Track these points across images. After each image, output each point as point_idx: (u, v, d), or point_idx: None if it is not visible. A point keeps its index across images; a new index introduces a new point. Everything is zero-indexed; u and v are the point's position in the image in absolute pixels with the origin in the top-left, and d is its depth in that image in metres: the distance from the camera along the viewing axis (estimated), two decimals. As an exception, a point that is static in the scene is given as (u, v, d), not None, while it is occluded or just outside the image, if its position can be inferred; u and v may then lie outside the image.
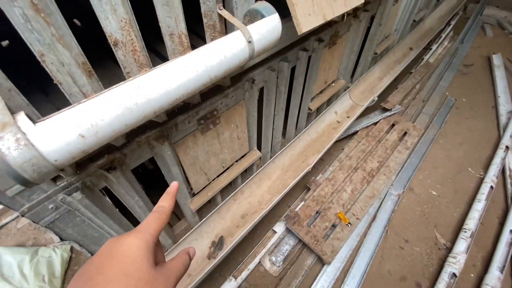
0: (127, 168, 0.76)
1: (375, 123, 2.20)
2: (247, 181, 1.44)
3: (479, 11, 4.00)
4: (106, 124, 0.43)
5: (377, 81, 2.27)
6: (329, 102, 1.87)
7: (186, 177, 1.01)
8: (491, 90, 2.73)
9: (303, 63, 1.22)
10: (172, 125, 0.80)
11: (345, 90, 1.99)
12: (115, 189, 0.76)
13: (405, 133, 2.15)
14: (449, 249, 1.61)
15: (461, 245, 1.55)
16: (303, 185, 1.94)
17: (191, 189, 1.10)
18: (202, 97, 0.84)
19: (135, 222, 0.97)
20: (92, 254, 0.85)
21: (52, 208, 0.64)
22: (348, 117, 1.95)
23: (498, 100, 2.54)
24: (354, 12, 1.42)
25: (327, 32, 1.27)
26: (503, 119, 2.36)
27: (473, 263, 1.59)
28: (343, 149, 2.09)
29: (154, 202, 0.44)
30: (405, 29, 2.47)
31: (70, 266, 1.64)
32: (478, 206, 1.72)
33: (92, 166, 0.66)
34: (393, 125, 2.20)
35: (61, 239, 0.72)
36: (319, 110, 1.86)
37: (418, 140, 2.14)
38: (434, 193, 1.92)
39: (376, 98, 2.01)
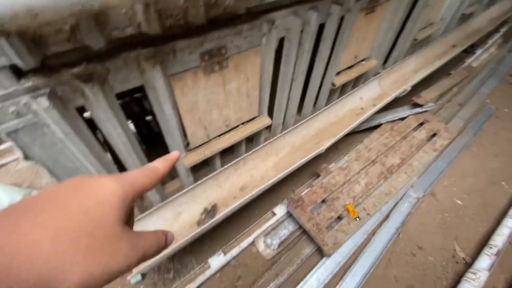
0: (110, 90, 0.65)
1: (402, 119, 1.99)
2: (251, 151, 1.31)
3: (536, 19, 3.59)
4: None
5: (412, 73, 2.05)
6: (355, 83, 1.69)
7: (182, 125, 0.89)
8: (539, 103, 2.43)
9: (334, 21, 1.06)
10: (170, 50, 0.68)
11: (375, 75, 1.79)
12: (94, 111, 0.65)
13: (435, 134, 1.94)
14: (469, 265, 1.41)
15: (484, 262, 1.35)
16: (312, 172, 1.78)
17: (188, 143, 0.98)
18: (211, 23, 0.71)
19: (120, 167, 0.87)
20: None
21: (13, 112, 0.54)
22: (374, 105, 1.76)
23: (548, 115, 2.24)
24: (401, -23, 1.24)
25: (367, -9, 1.10)
26: (551, 135, 2.07)
27: (494, 285, 1.39)
28: (363, 141, 1.90)
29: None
30: (451, 21, 2.22)
31: (59, 215, 1.59)
32: (510, 223, 1.50)
33: (65, 72, 0.56)
34: (422, 123, 1.99)
35: (27, 158, 0.61)
36: (342, 91, 1.68)
37: (449, 143, 1.91)
38: (459, 202, 1.71)
39: (409, 89, 1.81)
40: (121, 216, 0.25)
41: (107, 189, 0.25)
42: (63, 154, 0.68)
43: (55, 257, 0.20)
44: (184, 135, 0.94)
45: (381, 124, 1.97)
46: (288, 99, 1.27)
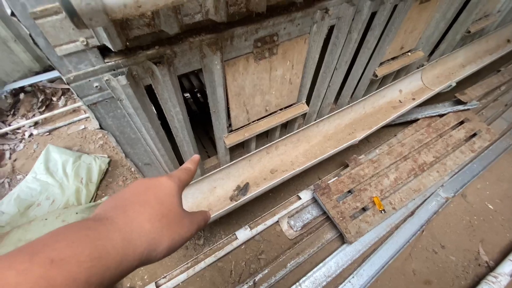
0: (175, 71, 0.71)
1: (441, 115, 1.91)
2: (284, 137, 1.35)
3: None
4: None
5: (459, 68, 1.93)
6: (397, 75, 1.63)
7: (228, 108, 0.95)
8: None
9: (386, 10, 1.02)
10: (229, 36, 0.71)
11: (418, 67, 1.72)
12: (159, 90, 0.72)
13: (475, 134, 1.85)
14: (491, 269, 1.40)
15: (507, 267, 1.34)
16: (340, 162, 1.80)
17: (230, 124, 1.04)
18: (268, 10, 0.73)
19: (172, 140, 0.95)
20: (126, 155, 0.85)
21: (96, 87, 0.62)
22: (413, 99, 1.70)
23: None
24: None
25: (426, -21, 1.04)
26: None
27: (516, 292, 1.38)
28: (396, 135, 1.87)
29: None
30: (509, 14, 2.01)
31: (105, 177, 1.77)
32: (545, 234, 1.44)
33: (141, 54, 0.62)
34: (462, 122, 1.90)
35: (101, 127, 0.70)
36: (382, 83, 1.64)
37: (489, 145, 1.82)
38: (490, 206, 1.66)
39: (454, 84, 1.72)
40: (179, 201, 0.37)
41: (167, 185, 0.36)
42: (129, 126, 0.77)
43: (153, 231, 0.32)
44: (228, 116, 0.99)
45: (418, 119, 1.91)
46: (328, 88, 1.27)
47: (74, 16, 0.36)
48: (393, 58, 1.42)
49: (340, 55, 1.09)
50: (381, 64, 1.37)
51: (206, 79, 0.79)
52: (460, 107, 1.88)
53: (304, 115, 1.38)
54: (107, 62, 0.60)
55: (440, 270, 1.42)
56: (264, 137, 1.36)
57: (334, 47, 1.03)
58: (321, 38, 0.92)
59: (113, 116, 0.71)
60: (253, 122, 1.09)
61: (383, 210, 1.46)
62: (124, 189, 0.36)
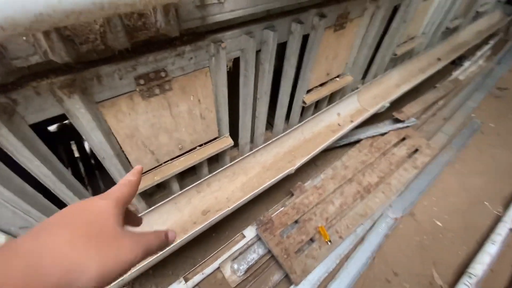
0: (21, 121, 0.58)
1: (383, 134, 1.94)
2: (216, 172, 1.24)
3: (524, 32, 3.59)
4: None
5: (394, 88, 2.00)
6: (331, 99, 1.64)
7: (123, 151, 0.83)
8: (525, 119, 2.39)
9: (296, 39, 1.00)
10: (92, 76, 0.61)
11: (353, 90, 1.74)
12: (3, 144, 0.58)
13: (416, 150, 1.88)
14: (446, 293, 1.34)
15: (462, 291, 1.28)
16: (288, 190, 1.72)
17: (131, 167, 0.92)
18: (142, 46, 0.65)
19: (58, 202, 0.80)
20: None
21: None
22: (351, 121, 1.71)
23: (533, 131, 2.20)
24: (372, -7, 1.19)
25: (333, 8, 1.05)
26: (536, 152, 2.02)
27: (473, 315, 1.31)
28: (341, 157, 1.84)
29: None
30: (435, 35, 2.19)
31: None
32: (491, 249, 1.43)
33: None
34: (403, 139, 1.93)
35: None
36: (318, 107, 1.63)
37: (431, 160, 1.86)
38: (439, 223, 1.65)
39: (387, 105, 1.76)
40: (117, 220, 0.30)
41: (99, 204, 0.31)
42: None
43: (73, 254, 0.25)
44: (127, 159, 0.87)
45: (361, 140, 1.91)
46: (254, 118, 1.21)
47: None
48: (321, 85, 1.41)
49: (256, 86, 1.04)
50: (308, 91, 1.35)
51: (75, 125, 0.67)
52: (399, 125, 1.93)
53: (236, 146, 1.30)
54: None
55: (395, 301, 1.33)
56: (191, 174, 1.25)
57: (246, 79, 0.97)
58: (222, 71, 0.86)
59: None
60: (164, 163, 0.98)
61: (329, 241, 1.37)
62: (48, 218, 0.30)
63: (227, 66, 0.85)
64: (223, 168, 1.25)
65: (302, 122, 1.52)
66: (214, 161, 1.28)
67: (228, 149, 1.19)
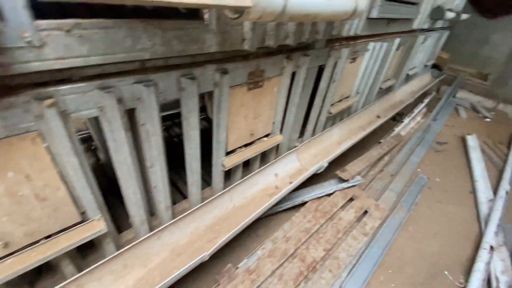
0: None
1: (329, 195, 1.76)
2: (92, 267, 0.89)
3: (450, 93, 4.06)
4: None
5: (335, 145, 1.92)
6: (264, 159, 1.46)
7: None
8: (467, 173, 2.43)
9: (192, 96, 0.83)
10: None
11: (290, 149, 1.60)
12: None
13: (366, 212, 1.71)
14: None
15: None
16: (217, 271, 1.37)
17: None
18: None
19: None
20: None
21: None
22: (290, 182, 1.52)
23: (476, 186, 2.20)
24: (288, 53, 1.13)
25: (239, 65, 0.93)
26: (483, 208, 1.97)
27: None
28: (283, 225, 1.59)
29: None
30: (370, 94, 2.27)
31: None
32: None
33: None
34: (351, 199, 1.77)
35: None
36: (249, 169, 1.43)
37: (381, 223, 1.68)
38: (399, 305, 1.37)
39: (326, 165, 1.62)
40: None
41: None
42: None
43: None
44: None
45: (306, 202, 1.70)
46: (151, 190, 0.95)
47: None
48: (246, 145, 1.23)
49: (142, 151, 0.81)
50: (229, 153, 1.16)
51: None
52: (345, 185, 1.79)
53: (106, 233, 0.98)
54: None
55: None
56: (52, 275, 0.89)
57: (116, 144, 0.74)
58: (63, 135, 0.62)
59: None
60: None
61: None
62: None
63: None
64: (105, 260, 0.91)
65: (230, 187, 1.28)
66: (89, 251, 0.94)
67: (108, 235, 0.88)
